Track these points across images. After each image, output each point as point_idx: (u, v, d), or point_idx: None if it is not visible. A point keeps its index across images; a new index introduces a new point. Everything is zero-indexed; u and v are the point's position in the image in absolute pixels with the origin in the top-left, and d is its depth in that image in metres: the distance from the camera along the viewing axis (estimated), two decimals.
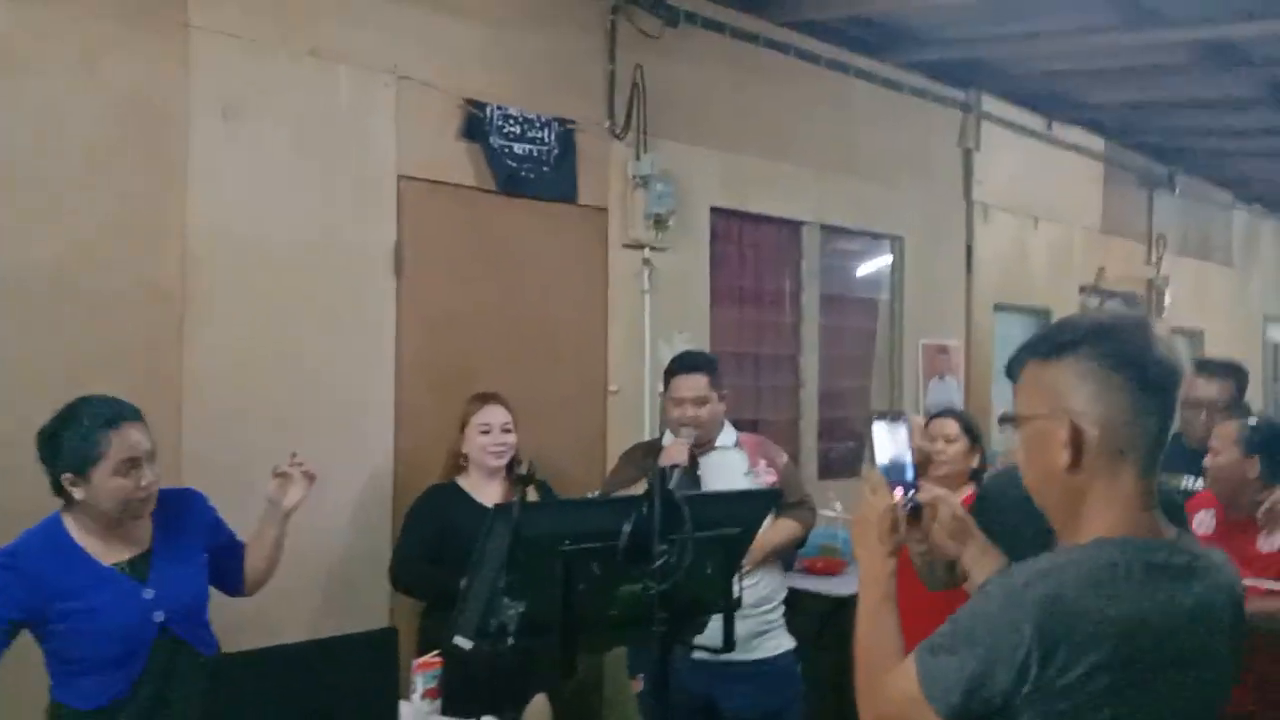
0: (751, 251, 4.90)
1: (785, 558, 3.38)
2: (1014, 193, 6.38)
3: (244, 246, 3.18)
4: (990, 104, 6.13)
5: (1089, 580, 1.29)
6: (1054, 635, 1.25)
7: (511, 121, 3.75)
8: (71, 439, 2.21)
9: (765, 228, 4.96)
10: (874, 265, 5.63)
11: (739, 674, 3.08)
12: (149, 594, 2.33)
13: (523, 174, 3.79)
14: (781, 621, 3.25)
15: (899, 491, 1.55)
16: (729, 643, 2.45)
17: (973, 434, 3.30)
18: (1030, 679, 1.26)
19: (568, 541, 2.22)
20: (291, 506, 2.57)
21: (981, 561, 1.61)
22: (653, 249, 4.28)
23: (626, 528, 2.26)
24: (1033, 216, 6.59)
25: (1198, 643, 1.34)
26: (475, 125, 3.67)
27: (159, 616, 2.34)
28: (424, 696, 2.55)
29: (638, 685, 3.12)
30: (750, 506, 2.56)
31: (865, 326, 5.60)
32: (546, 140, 3.87)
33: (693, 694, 3.05)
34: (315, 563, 3.30)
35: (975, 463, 3.27)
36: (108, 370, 2.84)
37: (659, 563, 2.25)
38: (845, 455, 5.27)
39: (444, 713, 2.62)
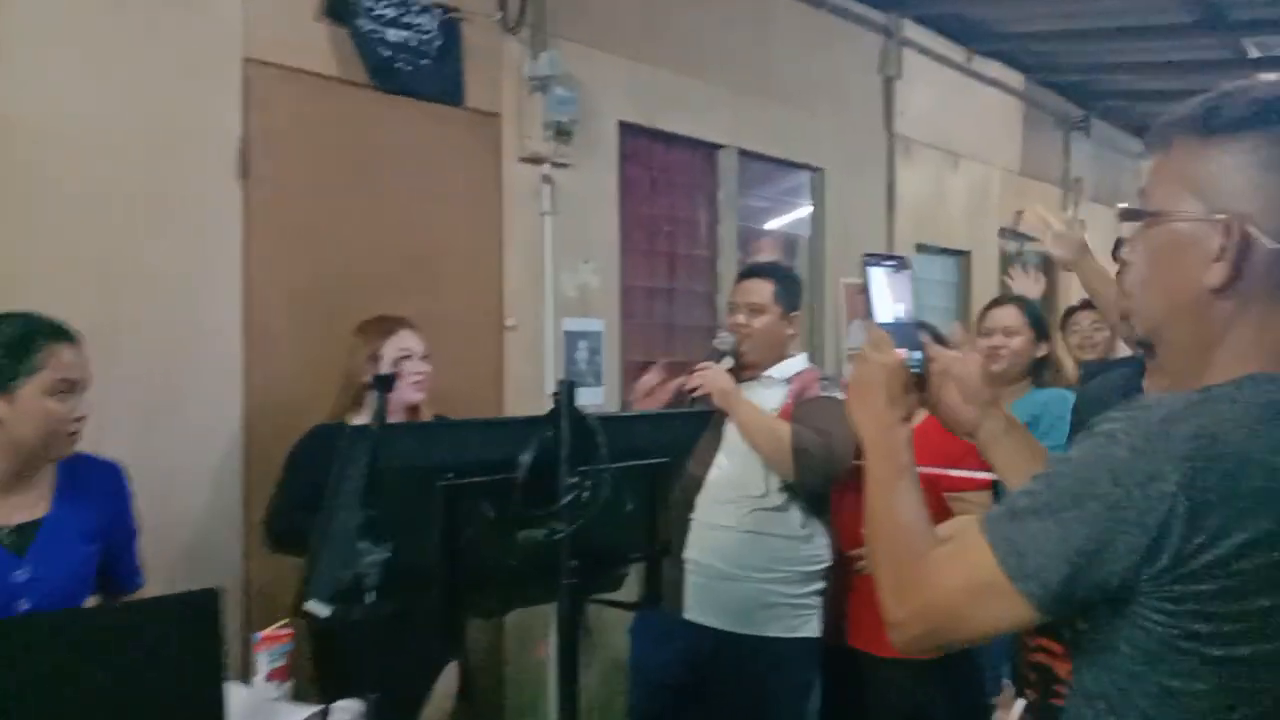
0: (663, 176, 4.42)
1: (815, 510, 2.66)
2: (935, 128, 6.07)
3: (46, 129, 2.55)
4: (912, 30, 5.78)
5: (1253, 420, 0.92)
6: (1209, 488, 0.91)
7: (383, 3, 3.18)
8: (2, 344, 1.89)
9: (679, 150, 4.48)
10: (793, 198, 5.22)
11: (736, 649, 2.55)
12: (21, 576, 1.93)
13: (397, 65, 3.22)
14: (813, 600, 2.60)
15: (905, 352, 1.25)
16: (652, 596, 1.99)
17: (1038, 326, 2.99)
18: (1168, 551, 0.91)
19: (450, 474, 1.74)
20: None
21: (1004, 441, 1.29)
22: (554, 164, 3.76)
23: (526, 457, 1.78)
24: (954, 154, 6.31)
25: None
26: (340, 3, 3.08)
27: (24, 605, 1.90)
28: (269, 678, 2.02)
29: (542, 650, 2.63)
30: (682, 430, 2.09)
31: (784, 263, 5.19)
32: (427, 28, 3.30)
33: (673, 659, 2.56)
34: (157, 525, 2.70)
35: (1039, 356, 3.00)
36: None
37: (567, 499, 1.78)
38: None
39: (324, 696, 2.09)
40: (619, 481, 1.83)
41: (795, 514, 2.58)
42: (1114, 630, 0.98)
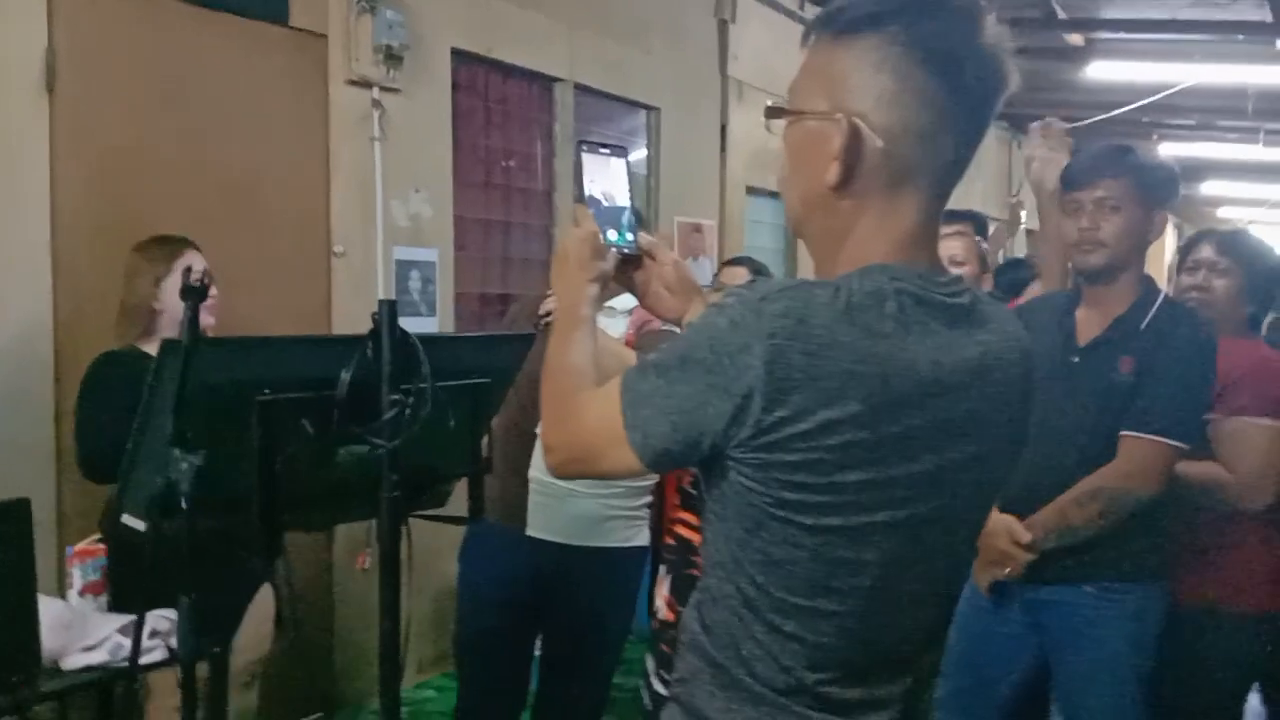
0: (499, 106, 4.40)
1: None
2: (768, 73, 6.20)
3: None
4: None
5: (846, 307, 0.98)
6: (790, 365, 0.96)
7: None
8: None
9: (514, 82, 4.46)
10: (632, 137, 5.28)
11: (572, 562, 2.60)
12: None
13: None
14: (638, 511, 2.71)
15: (612, 233, 1.32)
16: (475, 511, 2.04)
17: (983, 258, 2.93)
18: (750, 419, 0.97)
19: (268, 389, 1.73)
20: None
21: None
22: (383, 89, 3.69)
23: (346, 374, 1.79)
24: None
25: (978, 407, 1.05)
26: None
27: None
28: (83, 592, 1.99)
29: (363, 561, 2.65)
30: (505, 351, 2.13)
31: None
32: None
33: (514, 577, 2.61)
34: None
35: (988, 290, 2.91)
36: None
37: (389, 416, 1.80)
38: None
39: (136, 609, 2.06)
40: (441, 400, 1.86)
41: None
42: (723, 498, 1.03)
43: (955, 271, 3.02)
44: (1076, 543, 2.13)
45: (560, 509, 2.62)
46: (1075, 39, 6.78)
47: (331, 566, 3.56)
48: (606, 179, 1.36)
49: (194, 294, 1.54)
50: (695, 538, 2.30)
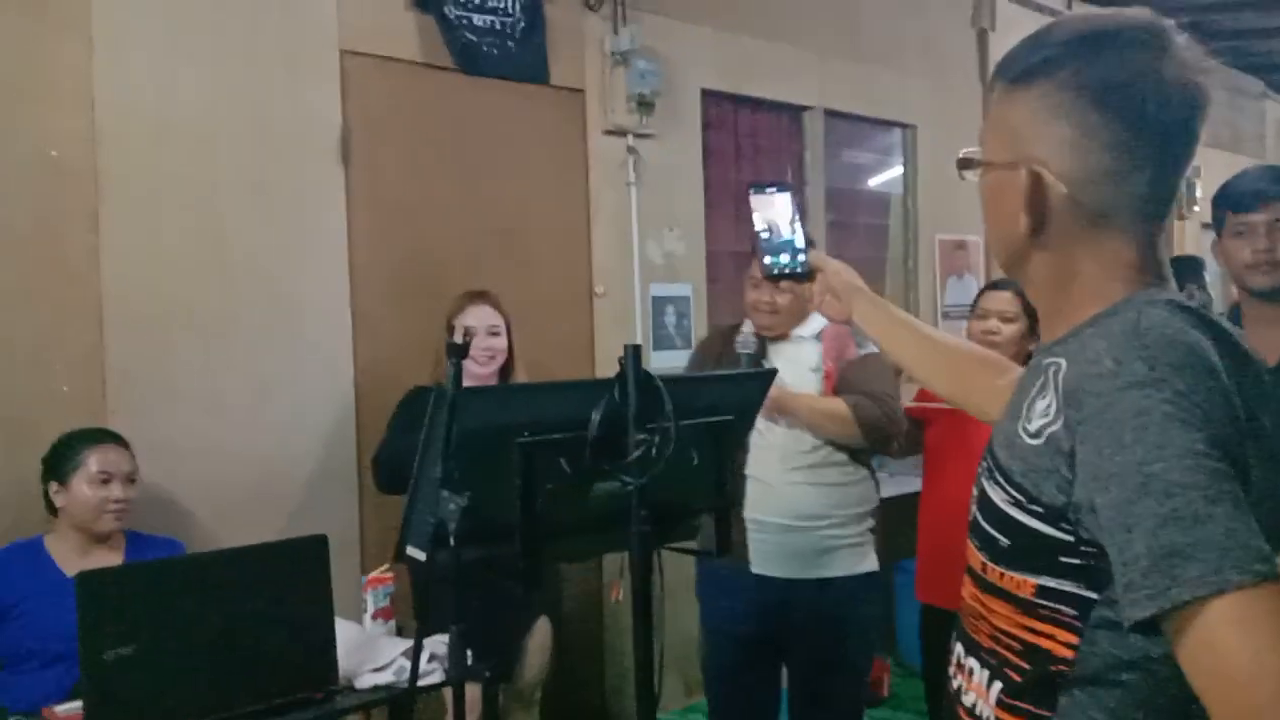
0: (748, 141, 4.48)
1: (859, 457, 2.75)
2: None
3: (160, 123, 2.78)
4: None
5: (1184, 323, 0.93)
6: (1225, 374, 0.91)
7: None
8: (63, 451, 2.44)
9: (763, 114, 4.53)
10: (884, 157, 5.21)
11: (802, 594, 2.65)
12: None
13: (484, 49, 3.37)
14: (866, 537, 2.72)
15: (784, 257, 1.52)
16: (723, 546, 2.10)
17: (1032, 313, 2.77)
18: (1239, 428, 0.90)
19: (527, 432, 1.88)
20: None
21: (874, 315, 1.49)
22: (637, 135, 3.87)
23: (596, 415, 1.91)
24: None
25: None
26: None
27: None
28: (375, 617, 2.22)
29: (617, 592, 2.78)
30: (745, 390, 2.19)
31: (877, 223, 5.20)
32: (510, 11, 3.44)
33: (745, 612, 2.68)
34: (277, 487, 2.97)
35: (1031, 348, 2.76)
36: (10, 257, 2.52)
37: (636, 454, 1.90)
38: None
39: (423, 635, 2.30)
40: (685, 438, 1.94)
41: (843, 462, 2.69)
42: None
43: (1004, 328, 2.75)
44: None
45: (780, 544, 2.64)
46: None
47: (600, 593, 3.74)
48: (772, 213, 1.54)
49: (455, 350, 1.70)
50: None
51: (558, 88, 3.67)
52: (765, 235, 1.53)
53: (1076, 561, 0.92)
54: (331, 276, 3.10)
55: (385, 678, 2.07)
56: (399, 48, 3.25)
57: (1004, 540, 0.98)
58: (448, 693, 2.34)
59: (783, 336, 2.74)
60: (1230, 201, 2.22)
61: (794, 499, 2.63)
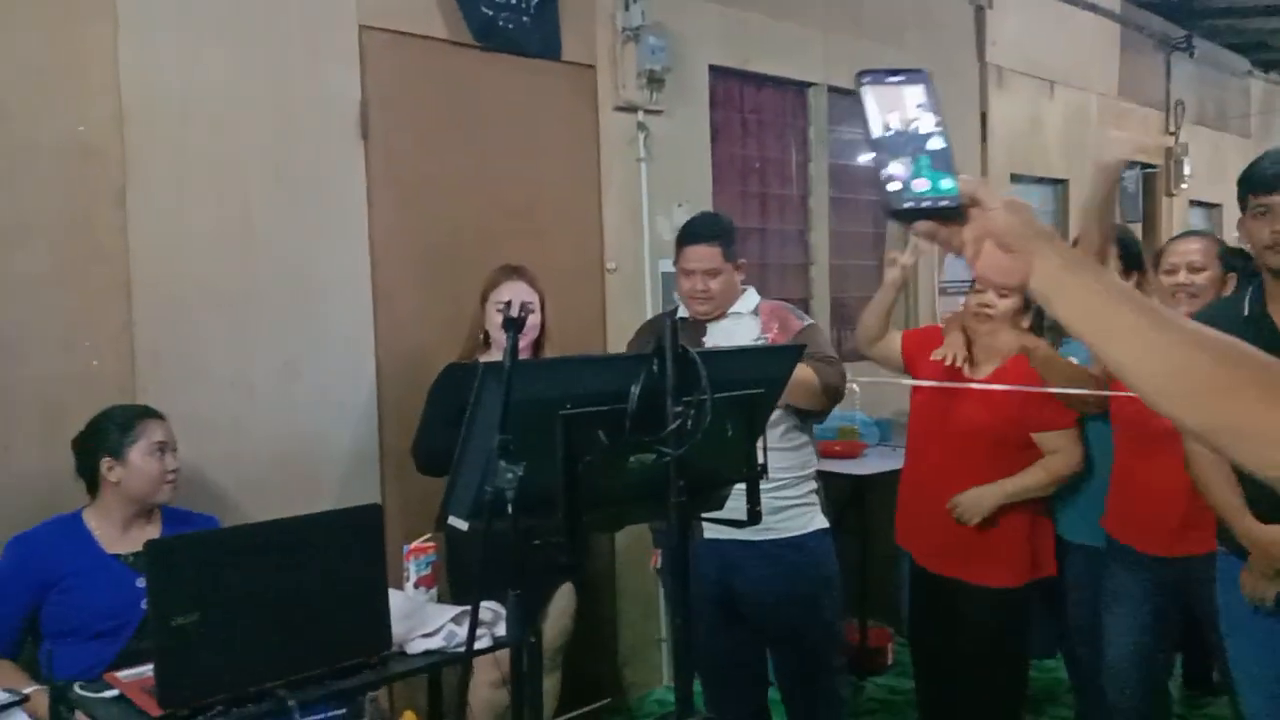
0: (754, 117, 4.52)
1: (805, 422, 2.90)
2: (1029, 55, 5.99)
3: (184, 102, 2.80)
4: None
5: None
6: None
7: None
8: (110, 427, 2.42)
9: (768, 91, 4.57)
10: None
11: (759, 555, 2.75)
12: (142, 583, 2.24)
13: (500, 24, 3.39)
14: (813, 498, 2.86)
15: (921, 182, 0.94)
16: (754, 515, 2.16)
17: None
18: None
19: (569, 404, 1.93)
20: None
21: (1073, 287, 0.91)
22: (647, 112, 3.90)
23: (635, 389, 1.96)
24: (1048, 81, 6.22)
25: None
26: None
27: (144, 606, 2.21)
28: (417, 585, 2.28)
29: (656, 560, 2.85)
30: (774, 363, 2.25)
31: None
32: None
33: (706, 578, 2.76)
34: (302, 462, 3.01)
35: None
36: (41, 237, 2.53)
37: (673, 426, 1.96)
38: None
39: (455, 601, 2.36)
40: (720, 411, 1.99)
41: (784, 427, 2.78)
42: None
43: (1194, 278, 2.82)
44: None
45: (729, 508, 2.72)
46: None
47: (615, 563, 3.81)
48: (902, 115, 0.96)
49: (513, 325, 1.74)
50: None
51: (570, 63, 3.69)
52: (889, 149, 0.95)
53: None
54: (352, 253, 3.13)
55: (436, 642, 2.13)
56: (417, 23, 3.27)
57: None
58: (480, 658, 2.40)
59: (720, 315, 2.82)
60: (1252, 183, 2.27)
61: (781, 456, 2.71)
